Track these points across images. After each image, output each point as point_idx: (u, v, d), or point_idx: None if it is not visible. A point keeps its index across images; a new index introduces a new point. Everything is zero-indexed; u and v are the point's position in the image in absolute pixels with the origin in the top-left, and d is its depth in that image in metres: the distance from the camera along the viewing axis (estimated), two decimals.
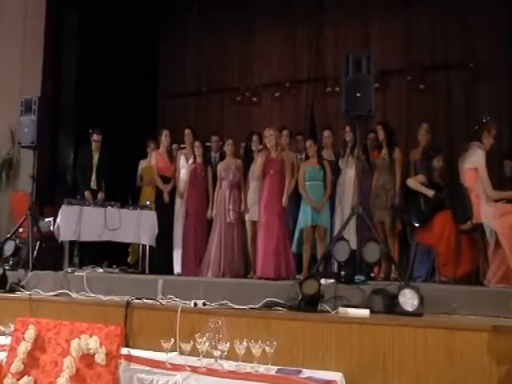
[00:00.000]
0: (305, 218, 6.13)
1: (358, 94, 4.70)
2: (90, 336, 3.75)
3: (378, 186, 6.12)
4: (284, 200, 5.93)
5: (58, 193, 7.67)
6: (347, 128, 6.53)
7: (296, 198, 6.31)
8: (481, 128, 5.03)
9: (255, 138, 6.52)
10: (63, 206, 6.17)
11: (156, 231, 6.47)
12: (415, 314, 3.59)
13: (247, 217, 6.40)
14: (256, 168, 6.09)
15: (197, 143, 6.90)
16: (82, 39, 8.24)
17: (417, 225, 5.27)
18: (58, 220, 6.14)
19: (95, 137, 7.05)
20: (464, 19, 7.78)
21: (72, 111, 8.07)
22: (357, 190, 4.83)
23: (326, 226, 6.14)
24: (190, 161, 6.94)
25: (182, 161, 7.07)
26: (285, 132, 6.69)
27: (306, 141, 6.47)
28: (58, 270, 5.42)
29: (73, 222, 6.10)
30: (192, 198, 6.76)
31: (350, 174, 6.30)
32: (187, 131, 7.22)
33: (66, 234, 6.10)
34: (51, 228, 6.32)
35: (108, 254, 6.40)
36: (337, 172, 6.57)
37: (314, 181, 6.21)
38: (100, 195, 6.79)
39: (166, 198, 6.92)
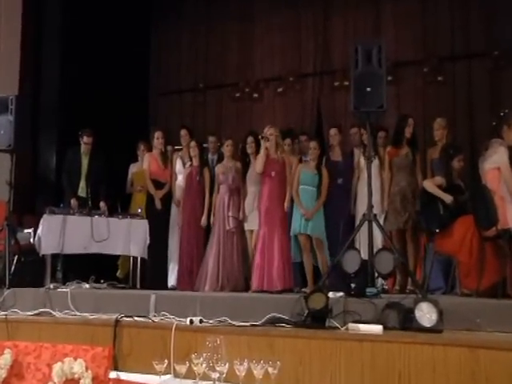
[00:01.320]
0: (294, 224, 6.15)
1: (368, 89, 4.75)
2: (75, 359, 3.76)
3: (402, 187, 6.06)
4: (286, 204, 5.99)
5: (39, 201, 7.68)
6: (363, 130, 6.51)
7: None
8: (499, 123, 5.04)
9: (250, 139, 6.48)
10: (45, 216, 6.21)
11: (148, 241, 6.50)
12: (434, 330, 3.60)
13: (246, 226, 6.43)
14: (257, 163, 6.09)
15: (192, 143, 6.92)
16: (65, 30, 8.22)
17: (437, 230, 5.28)
18: (39, 231, 6.17)
19: (85, 139, 7.02)
20: (487, 2, 7.76)
21: (54, 111, 8.07)
22: (368, 194, 4.83)
23: (320, 237, 6.13)
24: (187, 165, 6.97)
25: (178, 165, 7.10)
26: (287, 141, 6.69)
27: (310, 142, 6.49)
28: (39, 286, 5.45)
29: (56, 233, 6.13)
30: (188, 206, 6.80)
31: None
32: (183, 132, 7.25)
33: (47, 247, 6.14)
34: (31, 240, 6.35)
35: (95, 267, 6.39)
36: (347, 175, 6.58)
37: (306, 185, 6.23)
38: (102, 206, 6.76)
39: (158, 204, 6.94)
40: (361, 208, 6.23)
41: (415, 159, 6.16)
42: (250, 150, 6.46)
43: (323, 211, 6.27)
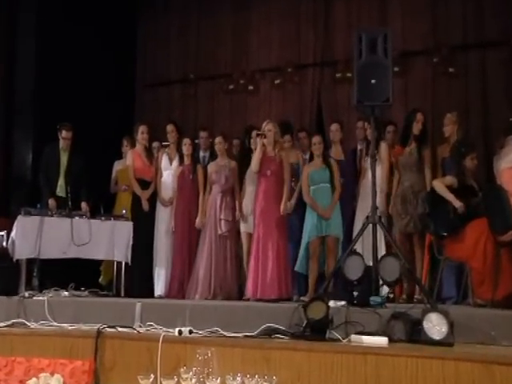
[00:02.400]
0: (311, 229, 6.11)
1: (373, 81, 4.78)
2: (52, 374, 3.76)
3: (405, 187, 6.06)
4: (282, 207, 5.97)
5: (14, 201, 7.66)
6: (366, 125, 6.50)
7: (297, 208, 6.32)
8: None
9: (254, 133, 6.47)
10: (19, 217, 6.18)
11: (131, 244, 6.50)
12: (444, 343, 3.61)
13: (243, 228, 6.43)
14: (253, 162, 6.09)
15: (186, 140, 6.92)
16: (42, 16, 8.16)
17: (444, 234, 5.28)
18: (13, 233, 6.14)
19: (64, 134, 7.00)
20: None
21: (30, 104, 8.02)
22: (373, 195, 4.83)
23: (337, 237, 6.14)
24: (175, 163, 6.96)
25: (164, 161, 7.09)
26: (286, 137, 6.71)
27: (313, 137, 6.48)
28: (13, 294, 5.43)
29: (31, 236, 6.10)
30: (181, 208, 6.80)
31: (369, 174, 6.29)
32: (170, 128, 7.22)
33: (22, 251, 6.10)
34: (4, 244, 6.31)
35: (75, 273, 6.37)
36: (349, 174, 6.60)
37: (319, 184, 6.22)
38: (84, 207, 6.74)
39: (146, 205, 6.92)
40: (358, 209, 6.37)
41: (422, 156, 6.12)
42: (254, 145, 6.43)
43: (341, 209, 6.27)
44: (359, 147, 6.82)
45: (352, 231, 6.31)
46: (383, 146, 6.37)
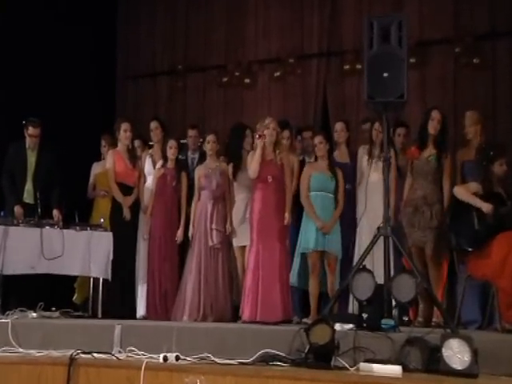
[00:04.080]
0: (307, 239, 6.17)
1: (386, 74, 4.80)
2: None
3: (418, 197, 6.04)
4: (287, 216, 5.98)
5: None
6: (377, 125, 6.50)
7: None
8: None
9: (248, 132, 6.53)
10: None
11: (111, 257, 6.49)
12: (467, 374, 3.59)
13: (235, 242, 6.44)
14: (251, 166, 6.07)
15: (172, 143, 6.93)
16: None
17: (469, 249, 5.28)
18: None
19: (31, 130, 6.99)
20: None
21: None
22: (385, 203, 4.84)
23: (337, 254, 6.18)
24: (159, 164, 6.97)
25: (147, 165, 7.14)
26: (285, 133, 6.71)
27: (315, 137, 6.50)
28: None
29: None
30: (159, 215, 6.84)
31: (374, 179, 6.29)
32: (154, 124, 7.26)
33: None
34: None
35: (45, 291, 6.41)
36: (352, 179, 6.62)
37: (321, 191, 6.27)
38: (56, 215, 6.75)
39: (127, 213, 6.91)
40: (358, 217, 6.43)
41: (441, 164, 6.08)
42: (248, 146, 6.47)
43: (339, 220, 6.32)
44: (361, 149, 6.82)
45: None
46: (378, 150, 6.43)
